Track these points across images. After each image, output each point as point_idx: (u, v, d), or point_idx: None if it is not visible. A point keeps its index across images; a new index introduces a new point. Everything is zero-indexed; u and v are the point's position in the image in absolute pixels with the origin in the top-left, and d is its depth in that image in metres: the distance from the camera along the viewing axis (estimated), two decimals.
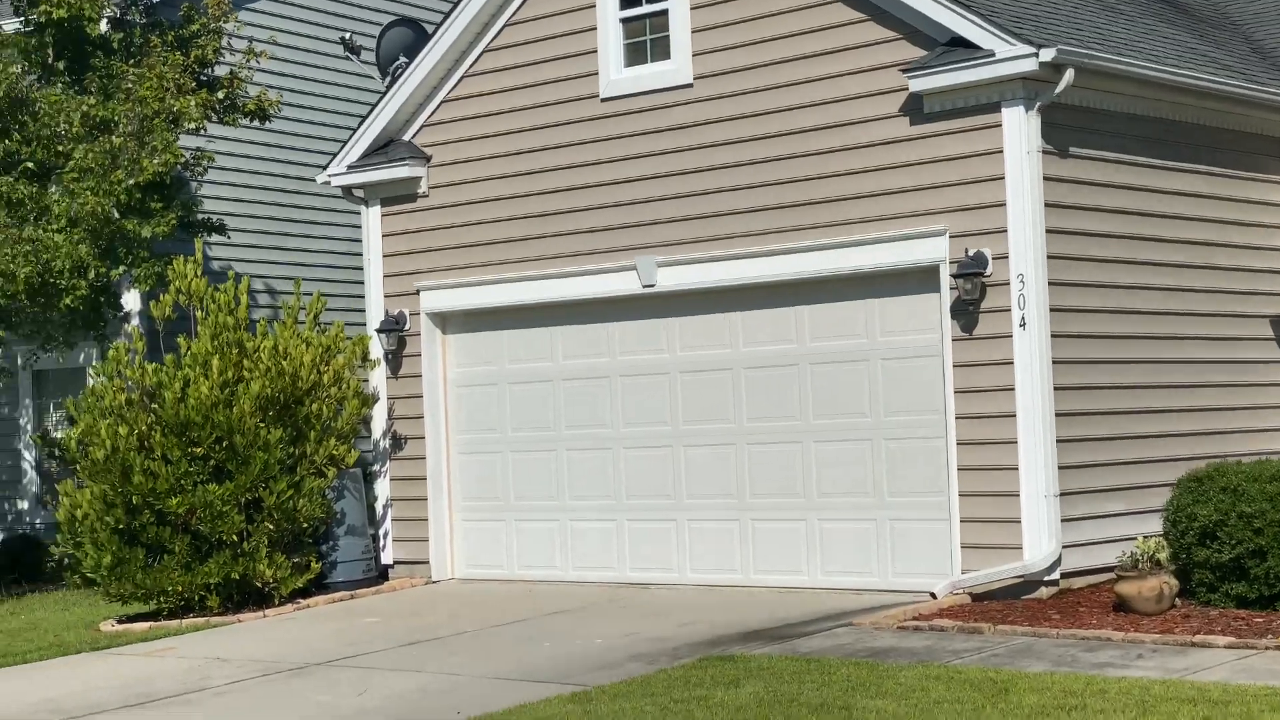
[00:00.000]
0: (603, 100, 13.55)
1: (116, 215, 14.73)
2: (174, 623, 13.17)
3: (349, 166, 14.81)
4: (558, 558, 13.99)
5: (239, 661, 11.17)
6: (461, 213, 14.44)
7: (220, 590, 13.35)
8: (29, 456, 19.35)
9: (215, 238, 16.73)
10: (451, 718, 8.80)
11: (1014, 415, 11.49)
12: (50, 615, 15.05)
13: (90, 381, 18.87)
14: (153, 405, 13.49)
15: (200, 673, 10.84)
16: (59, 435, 18.07)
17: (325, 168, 15.10)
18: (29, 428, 19.35)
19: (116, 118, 14.82)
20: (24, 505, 19.31)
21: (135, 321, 18.63)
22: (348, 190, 15.10)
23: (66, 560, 17.43)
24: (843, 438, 12.52)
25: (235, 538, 13.29)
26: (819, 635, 10.59)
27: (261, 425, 13.39)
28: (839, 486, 12.55)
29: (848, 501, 12.50)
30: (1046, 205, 11.55)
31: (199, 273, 14.00)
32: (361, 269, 20.40)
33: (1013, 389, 11.51)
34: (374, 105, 14.83)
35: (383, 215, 14.88)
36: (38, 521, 19.29)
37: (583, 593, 13.24)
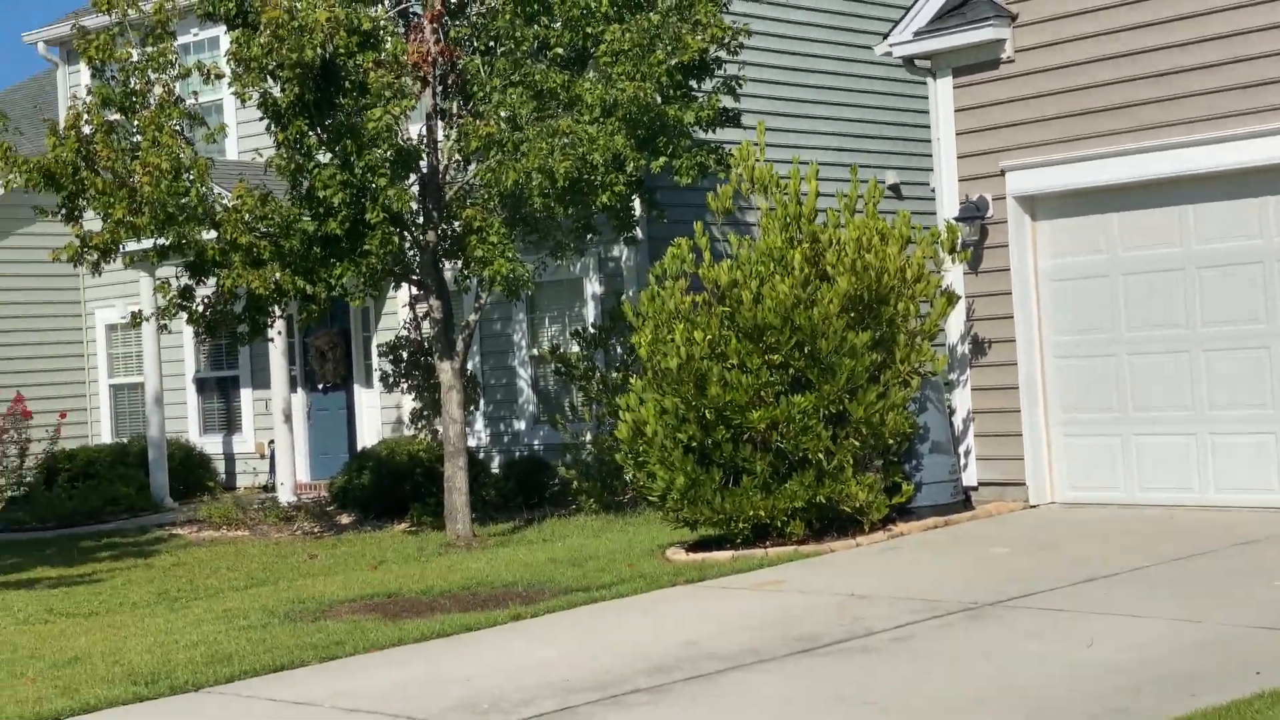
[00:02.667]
0: None
1: (659, 100, 13.28)
2: (756, 552, 11.71)
3: (915, 33, 12.95)
4: (1194, 478, 11.88)
5: (881, 599, 9.56)
6: (1057, 77, 12.41)
7: (802, 515, 11.83)
8: (525, 375, 18.40)
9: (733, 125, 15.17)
10: (1248, 677, 6.92)
11: None
12: (589, 542, 13.91)
13: (585, 293, 17.83)
14: (721, 307, 12.02)
15: (847, 613, 9.26)
16: (562, 350, 16.99)
17: (886, 36, 13.30)
18: (524, 344, 18.40)
19: None
20: (521, 425, 18.39)
21: (637, 230, 17.44)
22: (909, 61, 13.26)
23: (577, 483, 16.45)
24: None
25: (820, 456, 11.73)
26: None
27: (848, 329, 11.76)
28: None
29: None
30: None
31: (762, 157, 12.43)
32: (909, 150, 18.91)
33: None
34: None
35: (955, 87, 12.97)
36: (535, 442, 18.36)
37: (1249, 520, 11.13)
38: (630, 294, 17.29)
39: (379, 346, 17.64)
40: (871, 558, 11.28)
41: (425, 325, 16.04)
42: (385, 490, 16.97)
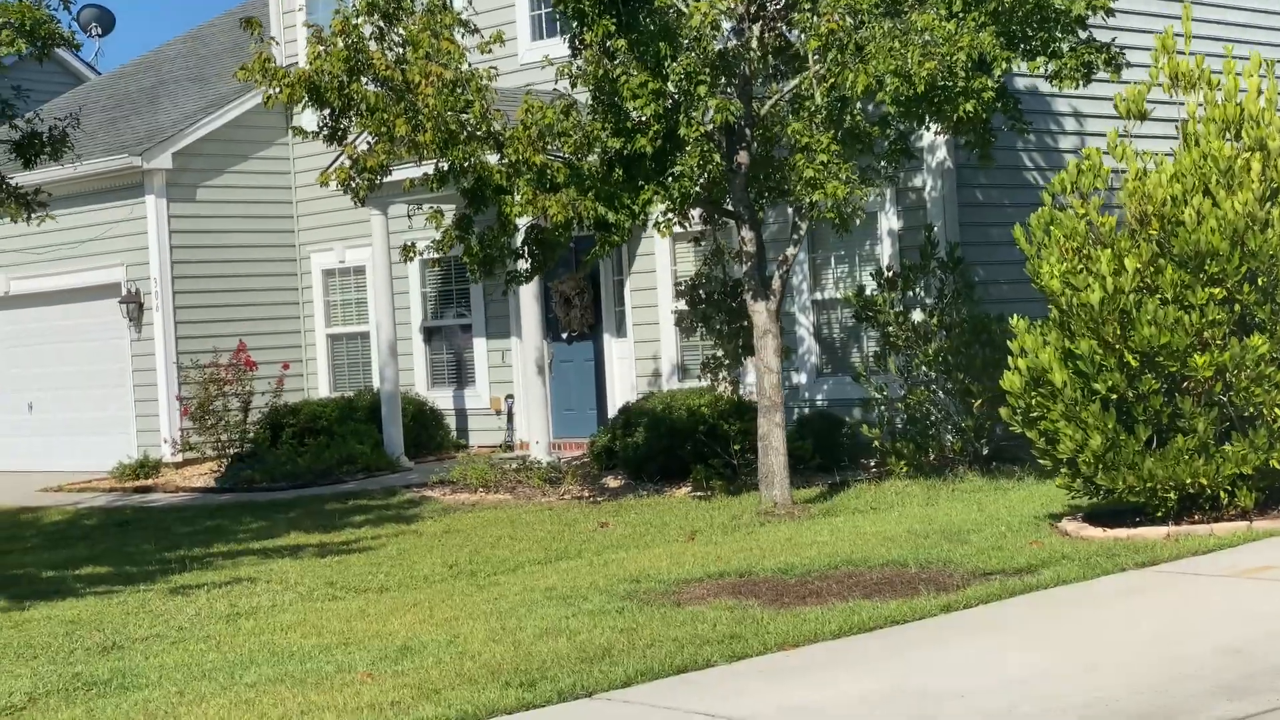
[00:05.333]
0: None
1: None
2: (1195, 528, 9.58)
3: None
4: None
5: None
6: None
7: (1247, 483, 9.72)
8: (806, 322, 16.41)
9: None
10: None
11: None
12: (931, 511, 12.05)
13: (879, 229, 15.78)
14: (1148, 231, 9.92)
15: None
16: (868, 292, 14.93)
17: None
18: (805, 287, 16.40)
19: None
20: (801, 378, 16.40)
21: (939, 155, 15.37)
22: None
23: (879, 443, 14.48)
24: None
25: (1278, 412, 9.61)
26: None
27: None
28: None
29: None
30: None
31: (1187, 48, 10.29)
32: None
33: None
34: None
35: None
36: (818, 397, 16.40)
37: None
38: (937, 227, 15.22)
39: (675, 285, 15.74)
40: None
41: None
42: (662, 450, 15.11)
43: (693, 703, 6.81)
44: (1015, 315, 10.50)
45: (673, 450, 15.03)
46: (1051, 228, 10.16)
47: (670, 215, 12.81)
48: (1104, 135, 16.55)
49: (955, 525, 10.99)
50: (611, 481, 15.61)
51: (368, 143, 12.78)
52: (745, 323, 13.45)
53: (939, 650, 7.45)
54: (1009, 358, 10.28)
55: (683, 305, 15.06)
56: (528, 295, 16.79)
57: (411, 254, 13.14)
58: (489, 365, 19.36)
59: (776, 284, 12.77)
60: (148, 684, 8.13)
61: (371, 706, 7.12)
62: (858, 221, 12.64)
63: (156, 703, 7.64)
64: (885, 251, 15.82)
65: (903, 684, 6.87)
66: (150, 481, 18.77)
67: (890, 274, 14.78)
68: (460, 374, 19.79)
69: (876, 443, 14.43)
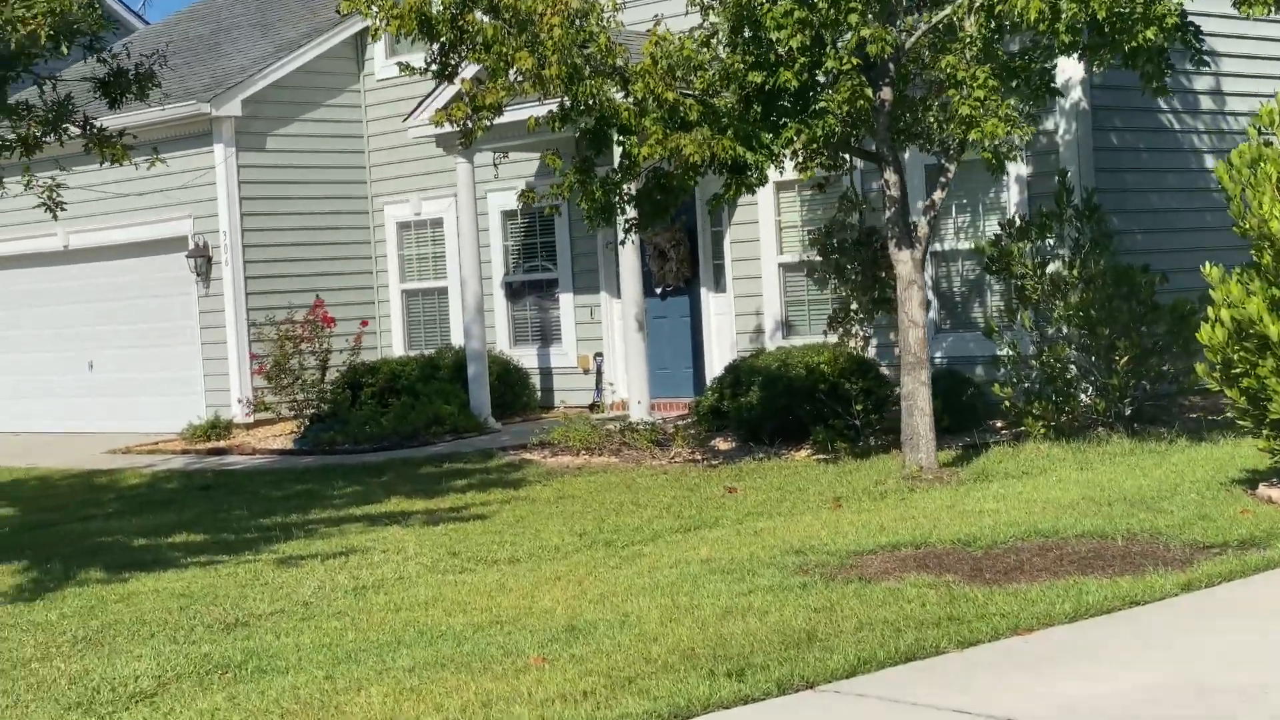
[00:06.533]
0: None
1: None
2: None
3: None
4: None
5: None
6: None
7: None
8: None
9: None
10: None
11: None
12: (1093, 476, 11.10)
13: (1006, 174, 14.76)
14: None
15: None
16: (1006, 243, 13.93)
17: None
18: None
19: None
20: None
21: (1074, 95, 14.37)
22: None
23: (1009, 403, 13.54)
24: None
25: None
26: None
27: None
28: None
29: None
30: None
31: None
32: None
33: None
34: None
35: None
36: (937, 355, 15.42)
37: None
38: (1071, 173, 14.23)
39: (809, 233, 14.74)
40: None
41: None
42: (778, 410, 14.13)
43: (940, 697, 5.93)
44: (1208, 263, 9.58)
45: (790, 410, 14.09)
46: (1261, 165, 9.21)
47: (814, 156, 11.84)
48: (1241, 76, 15.87)
49: (1132, 492, 10.06)
50: (722, 443, 14.70)
51: (478, 79, 11.85)
52: (882, 273, 12.50)
53: (1201, 636, 6.55)
54: (1211, 309, 9.35)
55: (791, 258, 14.11)
56: (626, 247, 15.83)
57: (531, 198, 12.20)
58: (575, 322, 18.43)
59: (923, 230, 11.84)
60: (288, 667, 7.28)
61: (562, 697, 6.26)
62: (1015, 162, 11.64)
63: (307, 690, 6.79)
64: (1013, 199, 14.82)
65: (1183, 676, 5.97)
66: (223, 443, 17.94)
67: (1022, 223, 13.81)
68: (545, 331, 18.88)
69: (1008, 403, 13.49)
